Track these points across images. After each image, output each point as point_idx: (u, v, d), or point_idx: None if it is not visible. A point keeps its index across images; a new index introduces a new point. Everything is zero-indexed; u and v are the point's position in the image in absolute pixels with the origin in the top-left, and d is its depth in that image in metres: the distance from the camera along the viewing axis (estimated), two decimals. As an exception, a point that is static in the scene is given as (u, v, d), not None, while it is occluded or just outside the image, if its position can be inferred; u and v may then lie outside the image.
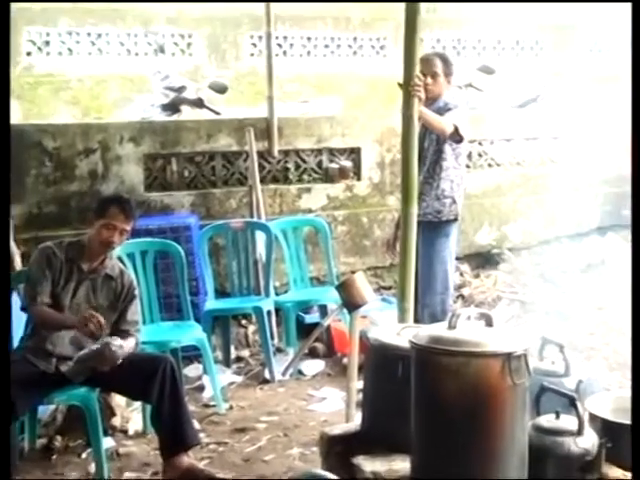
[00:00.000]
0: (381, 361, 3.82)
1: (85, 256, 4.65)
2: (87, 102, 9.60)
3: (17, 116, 9.25)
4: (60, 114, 9.20)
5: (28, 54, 9.60)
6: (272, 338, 6.35)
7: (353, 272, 6.49)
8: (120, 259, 5.14)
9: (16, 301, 4.84)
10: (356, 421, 4.29)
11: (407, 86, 4.49)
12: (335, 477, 2.18)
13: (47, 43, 9.69)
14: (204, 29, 10.99)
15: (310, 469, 3.67)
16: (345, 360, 6.07)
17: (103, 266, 4.68)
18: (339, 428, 4.17)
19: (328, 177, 7.44)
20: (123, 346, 4.38)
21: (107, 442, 4.72)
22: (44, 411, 4.92)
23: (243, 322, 6.81)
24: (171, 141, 6.96)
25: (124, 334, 4.60)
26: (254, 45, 10.86)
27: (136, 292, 4.81)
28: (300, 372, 6.22)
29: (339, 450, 3.89)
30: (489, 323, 3.38)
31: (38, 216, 6.34)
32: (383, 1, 10.43)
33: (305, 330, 6.55)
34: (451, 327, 3.30)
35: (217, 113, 7.94)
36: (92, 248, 4.65)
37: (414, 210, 4.45)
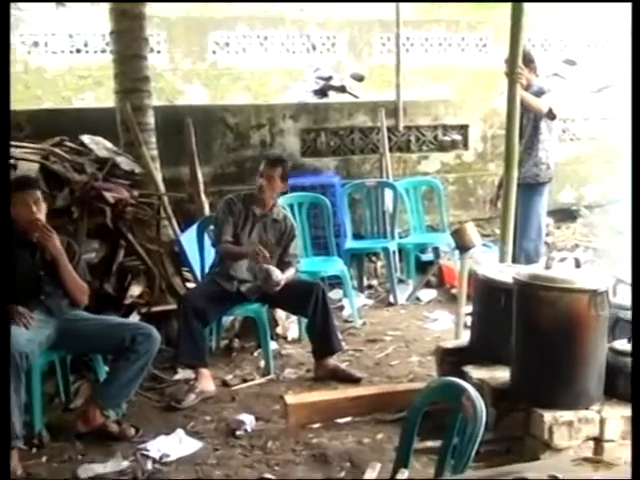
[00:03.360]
0: (487, 292, 3.75)
1: (256, 204, 4.66)
2: (256, 89, 9.69)
3: (205, 99, 9.44)
4: (237, 98, 9.32)
5: (213, 52, 9.73)
6: (396, 271, 6.28)
7: (460, 222, 6.38)
8: (283, 208, 5.15)
9: (206, 239, 4.96)
10: (464, 338, 4.22)
11: (512, 75, 4.31)
12: (466, 384, 2.10)
13: (227, 44, 9.80)
14: (345, 32, 10.89)
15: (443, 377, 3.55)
16: (453, 290, 5.98)
17: (271, 212, 4.69)
18: (451, 343, 4.12)
19: (442, 147, 7.29)
20: (281, 274, 4.40)
21: (272, 345, 4.75)
22: (226, 320, 5.00)
23: (373, 258, 6.76)
24: (321, 118, 6.93)
25: (287, 265, 4.61)
26: (383, 44, 10.71)
27: (296, 232, 4.79)
28: (417, 298, 6.14)
29: (451, 360, 3.86)
30: (578, 265, 3.27)
31: (222, 175, 6.41)
32: (431, 1, 10.19)
33: (421, 266, 6.51)
34: (547, 267, 3.24)
35: (356, 97, 7.93)
36: (258, 197, 4.65)
37: (514, 174, 4.29)
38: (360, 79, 8.49)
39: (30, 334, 3.54)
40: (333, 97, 7.98)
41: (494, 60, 8.51)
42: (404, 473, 2.14)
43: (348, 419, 3.88)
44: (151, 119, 5.59)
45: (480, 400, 2.01)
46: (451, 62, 10.79)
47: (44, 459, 3.54)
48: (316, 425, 3.80)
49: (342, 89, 7.96)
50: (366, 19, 10.79)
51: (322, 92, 7.83)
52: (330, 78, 7.96)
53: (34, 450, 3.60)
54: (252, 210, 4.64)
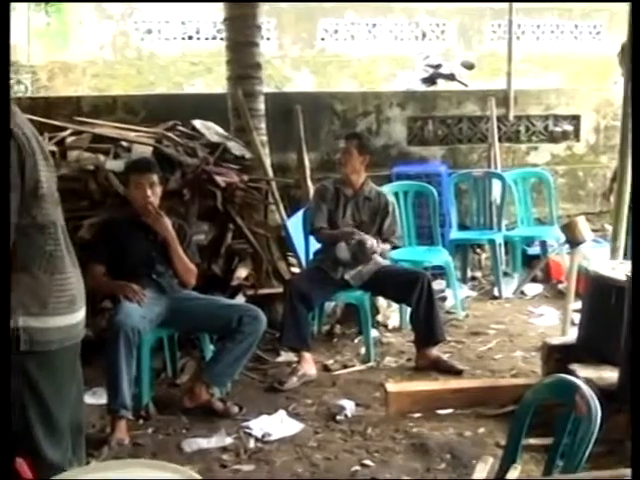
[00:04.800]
0: (597, 289, 3.63)
1: (346, 185, 4.68)
2: (363, 76, 9.69)
3: (313, 86, 9.51)
4: (343, 85, 9.34)
5: (322, 39, 9.77)
6: (501, 264, 6.15)
7: (569, 216, 6.19)
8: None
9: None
10: (571, 335, 4.10)
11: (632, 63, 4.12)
12: (580, 382, 2.04)
13: (336, 31, 9.82)
14: (455, 19, 10.74)
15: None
16: (560, 286, 5.81)
17: (362, 190, 4.69)
18: (557, 339, 4.01)
19: (552, 138, 7.06)
20: (376, 243, 4.44)
21: (373, 333, 4.75)
22: (328, 306, 5.03)
23: (478, 250, 6.64)
24: (429, 107, 6.83)
25: (383, 241, 4.61)
26: (494, 32, 10.49)
27: (390, 208, 4.73)
28: (522, 292, 6.00)
29: (557, 357, 3.76)
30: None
31: (327, 161, 6.42)
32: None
33: (527, 259, 6.34)
34: (666, 265, 3.06)
35: (465, 85, 7.80)
36: (347, 177, 4.68)
37: (629, 167, 4.12)
38: (470, 67, 8.34)
39: (142, 311, 3.68)
40: (442, 85, 7.87)
41: (608, 48, 8.18)
42: (517, 469, 2.10)
43: (449, 411, 3.83)
44: (262, 105, 5.68)
45: (595, 399, 1.95)
46: (563, 50, 10.46)
47: (150, 430, 3.68)
48: (416, 415, 3.78)
49: (451, 77, 7.85)
50: (477, 6, 10.60)
51: (431, 80, 7.75)
52: (439, 66, 7.86)
53: (141, 421, 3.75)
54: (343, 192, 4.67)
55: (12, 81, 10.58)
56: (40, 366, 2.19)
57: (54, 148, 4.83)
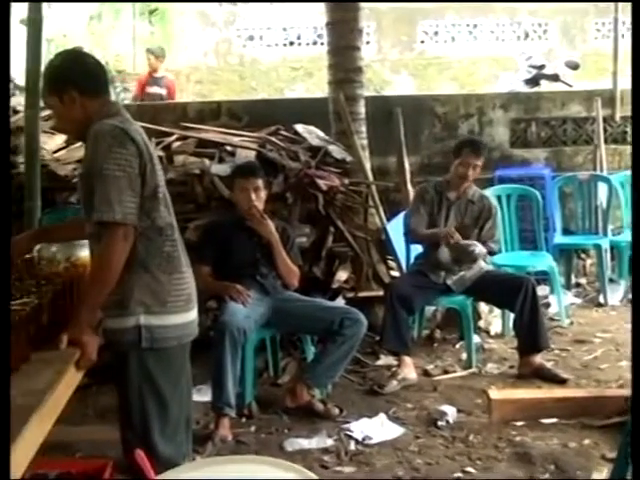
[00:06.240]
0: None
1: (450, 188, 4.62)
2: (464, 78, 9.58)
3: (412, 89, 9.47)
4: (443, 88, 9.26)
5: (422, 42, 9.73)
6: (607, 270, 5.95)
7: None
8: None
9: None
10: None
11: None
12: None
13: (436, 33, 9.75)
14: (558, 18, 10.47)
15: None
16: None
17: (465, 194, 4.61)
18: (670, 349, 3.84)
19: (662, 139, 6.78)
20: (480, 248, 4.36)
21: (475, 338, 4.69)
22: (428, 310, 4.99)
23: (582, 255, 6.46)
24: (532, 108, 6.71)
25: (482, 244, 4.51)
26: (598, 30, 10.17)
27: (492, 212, 4.64)
28: (629, 300, 5.78)
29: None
30: None
31: (428, 165, 6.39)
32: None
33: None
34: None
35: (569, 86, 7.60)
36: (453, 181, 4.60)
37: None
38: (575, 67, 8.12)
39: (247, 311, 3.76)
40: (545, 86, 7.70)
41: None
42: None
43: (553, 420, 3.74)
44: (362, 109, 5.71)
45: None
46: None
47: (253, 429, 3.75)
48: (519, 423, 3.71)
49: (555, 78, 7.66)
50: (581, 5, 10.31)
51: (534, 81, 7.59)
52: (543, 66, 7.69)
53: (244, 420, 3.82)
54: (446, 195, 4.61)
55: (119, 89, 11.00)
56: (159, 362, 2.28)
57: (161, 153, 5.00)
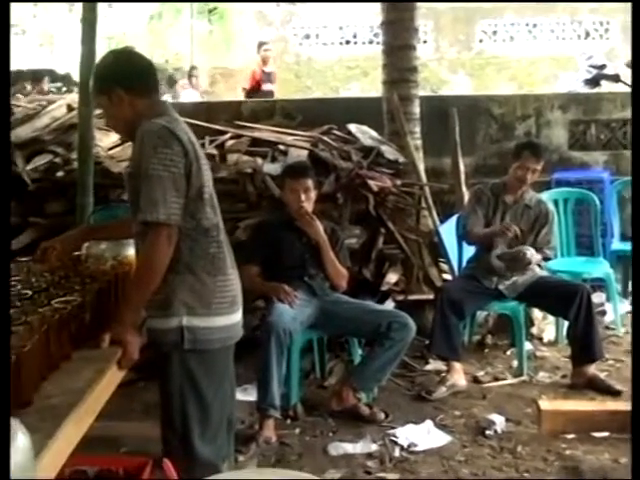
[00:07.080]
0: None
1: (507, 191, 4.50)
2: (522, 78, 9.41)
3: (469, 89, 9.34)
4: (501, 88, 9.10)
5: (480, 41, 9.59)
6: (667, 278, 5.75)
7: None
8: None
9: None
10: None
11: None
12: None
13: (495, 32, 9.60)
14: (619, 17, 10.19)
15: None
16: None
17: (522, 198, 4.49)
18: None
19: None
20: (534, 253, 4.24)
21: (527, 345, 4.57)
22: (480, 315, 4.89)
23: (641, 262, 6.26)
24: (591, 109, 6.52)
25: (537, 250, 4.38)
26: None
27: (550, 217, 4.50)
28: (691, 309, 5.58)
29: None
30: None
31: (483, 166, 6.27)
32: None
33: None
34: None
35: (630, 86, 7.35)
36: (511, 185, 4.48)
37: None
38: (638, 68, 7.88)
39: (294, 312, 3.73)
40: (606, 87, 7.49)
41: None
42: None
43: (605, 434, 3.61)
44: (417, 109, 5.63)
45: None
46: None
47: (297, 431, 3.72)
48: (570, 435, 3.59)
49: (616, 78, 7.44)
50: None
51: (594, 81, 7.40)
52: (603, 66, 7.50)
53: (289, 421, 3.79)
54: (502, 198, 4.49)
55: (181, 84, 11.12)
56: (202, 364, 2.27)
57: (214, 151, 5.02)
